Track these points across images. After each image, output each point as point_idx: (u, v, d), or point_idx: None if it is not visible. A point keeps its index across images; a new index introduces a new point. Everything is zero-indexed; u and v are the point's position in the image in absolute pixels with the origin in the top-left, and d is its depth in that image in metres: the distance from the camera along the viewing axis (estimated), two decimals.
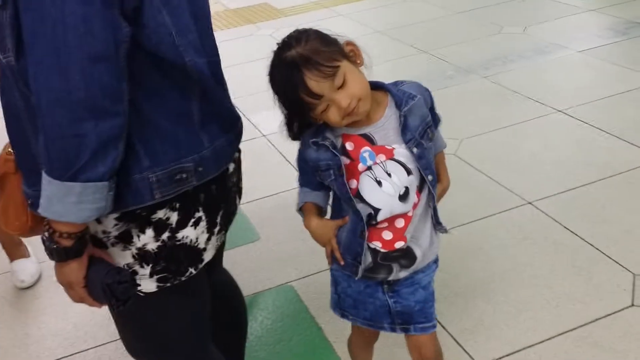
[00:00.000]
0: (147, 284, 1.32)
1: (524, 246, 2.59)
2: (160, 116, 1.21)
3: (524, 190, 2.92)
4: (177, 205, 1.27)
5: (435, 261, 1.63)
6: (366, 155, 1.42)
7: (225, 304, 1.74)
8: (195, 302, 1.47)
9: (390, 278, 1.55)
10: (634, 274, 2.36)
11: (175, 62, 1.20)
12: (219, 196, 1.36)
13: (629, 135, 3.27)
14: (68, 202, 1.10)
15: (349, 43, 1.41)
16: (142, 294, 1.33)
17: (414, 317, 1.60)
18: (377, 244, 1.50)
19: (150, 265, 1.30)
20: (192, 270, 1.35)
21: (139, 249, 1.27)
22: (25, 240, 2.71)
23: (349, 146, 1.43)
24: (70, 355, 2.33)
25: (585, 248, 2.53)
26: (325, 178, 1.46)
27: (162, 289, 1.34)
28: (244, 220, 2.97)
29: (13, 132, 1.26)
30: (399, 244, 1.50)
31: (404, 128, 1.42)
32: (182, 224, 1.29)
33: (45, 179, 1.11)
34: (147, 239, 1.26)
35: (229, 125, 1.38)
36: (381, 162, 1.42)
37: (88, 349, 2.34)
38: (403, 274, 1.55)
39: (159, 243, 1.27)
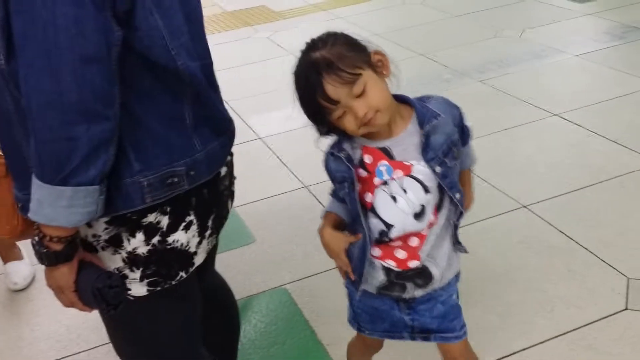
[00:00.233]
0: (138, 288, 1.31)
1: (519, 250, 2.59)
2: (152, 119, 1.21)
3: (519, 193, 2.92)
4: (168, 209, 1.26)
5: (456, 276, 1.58)
6: (383, 169, 1.39)
7: (218, 308, 1.74)
8: (186, 306, 1.47)
9: (405, 296, 1.52)
10: (628, 277, 2.36)
11: (167, 65, 1.19)
12: (211, 200, 1.36)
13: (624, 140, 3.27)
14: (58, 206, 1.10)
15: (377, 52, 1.37)
16: (132, 298, 1.32)
17: (431, 331, 1.57)
18: (391, 263, 1.47)
19: (141, 269, 1.29)
20: (182, 274, 1.35)
21: (129, 252, 1.27)
22: (19, 242, 2.71)
23: (367, 159, 1.40)
24: (63, 358, 2.33)
25: (580, 252, 2.53)
26: (340, 190, 1.44)
27: (152, 293, 1.33)
28: (239, 222, 2.96)
29: (3, 135, 1.26)
30: (413, 263, 1.46)
31: (426, 146, 1.37)
32: (173, 228, 1.28)
33: (36, 182, 1.11)
34: (137, 243, 1.26)
35: (222, 128, 1.38)
36: (398, 178, 1.39)
37: (80, 352, 2.34)
38: (419, 292, 1.51)
39: (149, 247, 1.27)
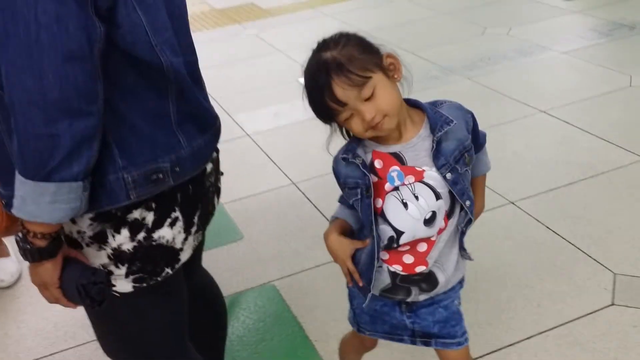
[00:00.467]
0: (123, 285, 1.31)
1: (506, 246, 2.60)
2: (136, 116, 1.20)
3: (507, 190, 2.93)
4: (153, 205, 1.26)
5: (460, 282, 1.57)
6: (394, 175, 1.36)
7: (205, 304, 1.73)
8: (172, 303, 1.46)
9: (409, 300, 1.52)
10: (614, 273, 2.38)
11: (151, 62, 1.19)
12: (197, 196, 1.36)
13: (611, 136, 3.29)
14: (42, 202, 1.09)
15: (389, 55, 1.35)
16: (118, 295, 1.32)
17: (432, 336, 1.56)
18: (397, 267, 1.45)
19: (126, 265, 1.29)
20: (168, 270, 1.35)
21: (114, 249, 1.26)
22: (5, 239, 2.70)
23: (377, 164, 1.37)
24: (50, 354, 2.32)
25: (567, 248, 2.54)
26: (351, 197, 1.40)
27: (138, 290, 1.33)
28: (227, 219, 2.96)
29: None
30: (420, 268, 1.45)
31: (437, 153, 1.35)
32: (158, 224, 1.28)
33: (19, 179, 1.10)
34: (122, 239, 1.25)
35: (207, 125, 1.37)
36: (410, 183, 1.36)
37: (68, 349, 2.33)
38: (423, 297, 1.50)
39: (134, 243, 1.27)
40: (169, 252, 1.33)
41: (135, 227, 1.25)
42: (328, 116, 1.34)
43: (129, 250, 1.27)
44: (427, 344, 1.58)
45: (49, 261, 1.19)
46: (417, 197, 1.37)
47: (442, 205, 1.39)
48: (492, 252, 2.56)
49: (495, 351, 2.11)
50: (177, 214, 1.30)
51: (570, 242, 2.57)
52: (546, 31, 4.85)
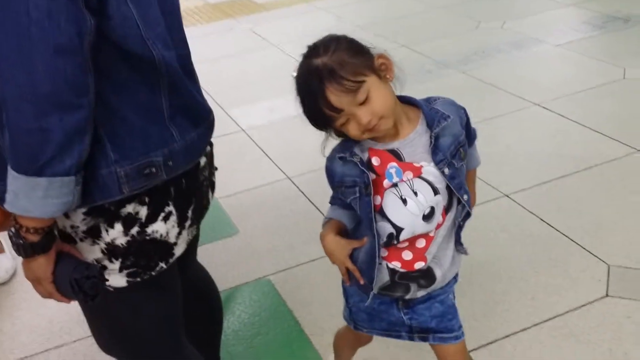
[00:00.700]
0: (117, 279, 1.31)
1: (501, 238, 2.61)
2: (129, 109, 1.20)
3: (501, 182, 2.93)
4: (147, 199, 1.26)
5: (455, 276, 1.58)
6: (392, 171, 1.36)
7: (200, 299, 1.73)
8: (166, 297, 1.46)
9: (407, 297, 1.51)
10: (608, 264, 2.39)
11: (142, 55, 1.18)
12: (190, 190, 1.35)
13: (604, 129, 3.30)
14: (34, 197, 1.09)
15: (380, 56, 1.33)
16: (111, 289, 1.32)
17: (430, 330, 1.56)
18: (396, 264, 1.45)
19: (120, 260, 1.28)
20: (162, 264, 1.34)
21: (107, 243, 1.26)
22: (0, 235, 2.69)
23: (375, 161, 1.37)
24: (46, 350, 2.32)
25: (561, 240, 2.55)
26: (348, 195, 1.39)
27: (132, 284, 1.33)
28: (223, 214, 2.96)
29: None
30: (419, 265, 1.44)
31: (435, 148, 1.35)
32: (151, 219, 1.27)
33: (12, 173, 1.10)
34: (116, 234, 1.25)
35: (200, 118, 1.37)
36: (408, 179, 1.36)
37: (63, 345, 2.33)
38: (421, 293, 1.50)
39: (128, 238, 1.26)
40: (163, 247, 1.32)
41: (129, 221, 1.25)
42: (324, 123, 1.33)
43: (122, 244, 1.27)
44: (425, 339, 1.58)
45: (42, 256, 1.18)
46: (415, 193, 1.37)
47: (440, 201, 1.39)
48: (486, 245, 2.57)
49: (491, 343, 2.12)
50: (171, 208, 1.30)
51: (564, 235, 2.57)
52: (540, 24, 4.85)
